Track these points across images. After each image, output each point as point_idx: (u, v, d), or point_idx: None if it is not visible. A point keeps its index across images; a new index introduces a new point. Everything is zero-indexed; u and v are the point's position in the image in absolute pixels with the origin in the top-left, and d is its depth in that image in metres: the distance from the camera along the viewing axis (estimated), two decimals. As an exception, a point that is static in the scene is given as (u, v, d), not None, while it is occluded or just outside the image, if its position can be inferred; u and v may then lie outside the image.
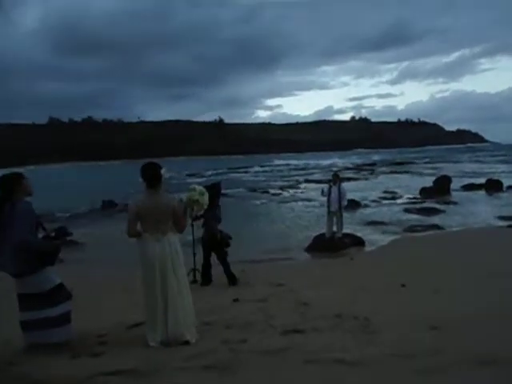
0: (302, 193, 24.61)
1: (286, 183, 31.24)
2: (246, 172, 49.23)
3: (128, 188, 28.52)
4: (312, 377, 2.96)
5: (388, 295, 5.33)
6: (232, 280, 6.65)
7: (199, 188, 3.71)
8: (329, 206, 9.70)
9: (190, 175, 46.13)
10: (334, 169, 38.32)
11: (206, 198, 3.69)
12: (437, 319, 4.13)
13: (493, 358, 3.07)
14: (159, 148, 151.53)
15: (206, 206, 3.73)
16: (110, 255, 9.99)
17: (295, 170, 49.61)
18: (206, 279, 6.81)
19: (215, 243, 6.76)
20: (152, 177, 3.52)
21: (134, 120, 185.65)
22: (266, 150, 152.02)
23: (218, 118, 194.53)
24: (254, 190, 26.85)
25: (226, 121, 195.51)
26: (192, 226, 7.07)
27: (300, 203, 19.61)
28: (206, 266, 6.86)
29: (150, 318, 3.61)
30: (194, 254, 7.12)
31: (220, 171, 50.68)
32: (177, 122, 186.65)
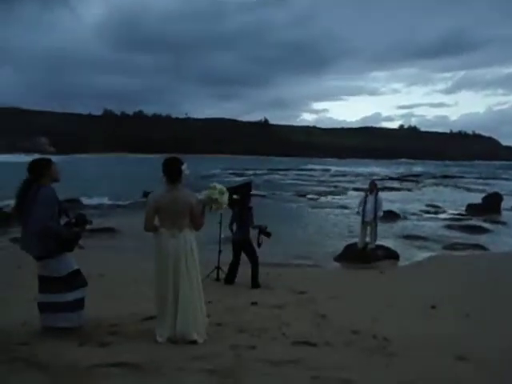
0: (340, 199, 24.05)
1: (324, 188, 30.70)
2: (285, 175, 48.96)
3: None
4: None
5: (414, 316, 5.00)
6: (255, 283, 6.57)
7: (219, 186, 3.64)
8: (363, 216, 9.35)
9: (232, 174, 46.67)
10: (375, 177, 37.16)
11: (225, 198, 3.62)
12: (464, 348, 3.81)
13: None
14: (204, 145, 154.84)
15: (225, 206, 3.65)
16: (142, 245, 10.24)
17: (335, 175, 48.66)
18: (230, 278, 6.77)
19: (247, 246, 6.71)
20: (172, 172, 3.51)
21: (182, 116, 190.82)
22: (309, 154, 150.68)
23: (263, 119, 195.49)
24: (291, 193, 26.62)
25: (272, 122, 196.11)
26: (220, 223, 7.08)
27: (336, 210, 19.14)
28: (234, 264, 6.82)
29: (160, 314, 3.60)
30: (220, 252, 7.12)
31: (259, 172, 50.78)
32: (223, 120, 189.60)
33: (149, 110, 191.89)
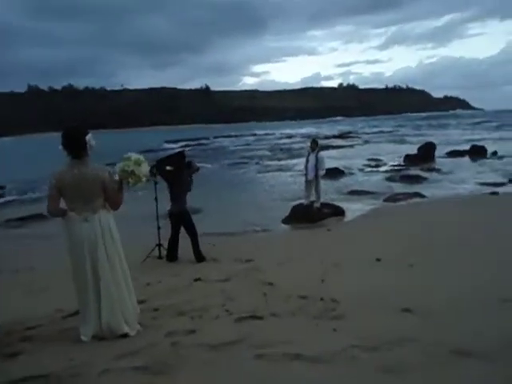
0: (286, 162, 24.04)
1: (270, 152, 30.57)
2: (230, 141, 48.20)
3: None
4: (260, 377, 2.54)
5: (361, 271, 4.94)
6: (199, 257, 6.20)
7: (135, 156, 3.10)
8: (306, 175, 9.23)
9: (168, 142, 45.08)
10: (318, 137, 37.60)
11: (144, 169, 3.09)
12: (409, 300, 3.76)
13: (468, 350, 2.70)
14: (143, 117, 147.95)
15: (145, 179, 3.15)
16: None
17: (280, 138, 48.72)
18: (172, 255, 6.35)
19: (184, 219, 6.26)
20: (74, 144, 2.93)
21: (117, 88, 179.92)
22: (253, 118, 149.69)
23: (204, 86, 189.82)
24: (237, 160, 26.19)
25: (213, 88, 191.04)
26: (156, 199, 6.56)
27: (284, 173, 19.09)
28: (173, 241, 6.38)
29: (82, 309, 3.14)
30: (159, 228, 6.63)
31: (204, 141, 49.54)
32: (162, 89, 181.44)
33: (80, 84, 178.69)
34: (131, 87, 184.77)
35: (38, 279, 5.49)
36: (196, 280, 4.90)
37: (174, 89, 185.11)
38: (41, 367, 2.64)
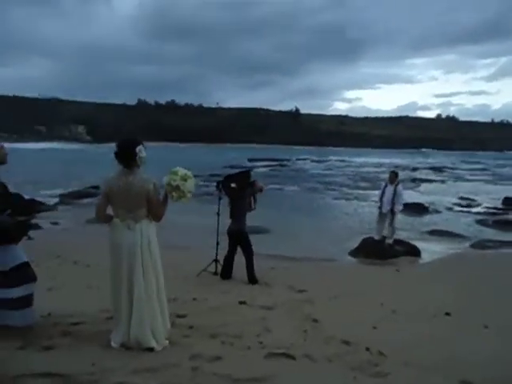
0: (363, 191, 23.00)
1: (350, 180, 29.60)
2: (313, 165, 47.89)
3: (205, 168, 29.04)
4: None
5: (423, 325, 4.34)
6: (251, 279, 6.06)
7: (183, 171, 3.11)
8: (380, 207, 8.62)
9: (251, 160, 46.29)
10: (398, 169, 35.49)
11: (189, 185, 3.08)
12: (473, 370, 3.16)
13: None
14: (234, 134, 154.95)
15: (190, 195, 3.13)
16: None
17: (365, 166, 46.98)
18: (226, 273, 6.30)
19: (242, 238, 6.22)
20: (124, 154, 3.04)
21: (213, 105, 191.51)
22: (341, 144, 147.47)
23: (294, 108, 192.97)
24: (314, 184, 25.81)
25: (303, 111, 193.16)
26: (218, 214, 6.62)
27: (361, 202, 18.25)
28: (229, 259, 6.34)
29: (115, 316, 3.19)
30: (217, 244, 6.66)
31: (286, 162, 49.91)
32: (253, 109, 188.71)
33: (181, 100, 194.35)
34: (225, 106, 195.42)
35: (93, 274, 5.80)
36: (241, 303, 4.76)
37: (265, 109, 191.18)
38: (65, 366, 2.71)
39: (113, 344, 3.13)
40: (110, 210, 3.18)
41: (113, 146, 3.15)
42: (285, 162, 48.15)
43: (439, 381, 3.00)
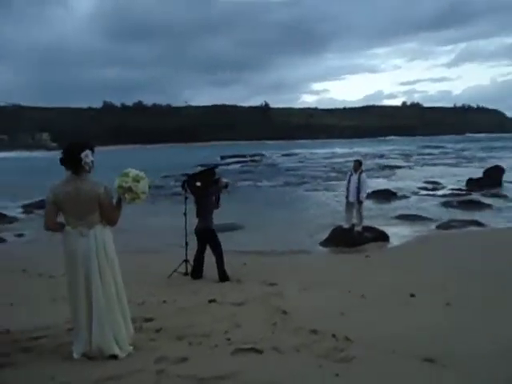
0: (336, 181, 23.35)
1: (321, 171, 29.99)
2: (284, 158, 48.23)
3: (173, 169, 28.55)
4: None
5: (389, 308, 4.45)
6: (222, 277, 6.04)
7: (134, 172, 3.03)
8: (347, 196, 8.78)
9: (223, 157, 46.18)
10: (367, 157, 36.26)
11: (142, 186, 3.01)
12: (436, 347, 3.27)
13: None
14: (205, 132, 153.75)
15: (145, 196, 3.06)
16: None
17: (336, 157, 47.75)
18: (196, 273, 6.25)
19: (210, 236, 6.17)
20: (68, 160, 2.94)
21: (182, 105, 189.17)
22: (311, 136, 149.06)
23: (263, 103, 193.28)
24: (286, 177, 25.99)
25: (272, 105, 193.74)
26: (185, 214, 6.55)
27: (332, 193, 18.52)
28: (198, 259, 6.29)
29: (75, 325, 3.09)
30: (186, 244, 6.60)
31: (257, 157, 49.99)
32: (222, 106, 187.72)
33: (148, 101, 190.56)
34: (194, 104, 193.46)
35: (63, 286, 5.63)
36: (210, 301, 4.73)
37: (234, 106, 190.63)
38: (22, 382, 2.60)
39: (74, 355, 3.03)
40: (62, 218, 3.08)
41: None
42: (256, 158, 48.25)
43: (402, 360, 3.08)
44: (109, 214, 3.02)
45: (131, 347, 3.14)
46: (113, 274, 3.06)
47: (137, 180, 3.00)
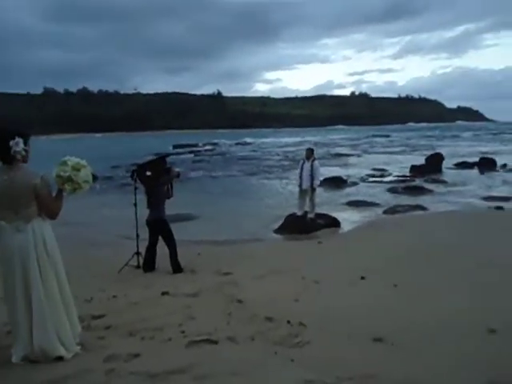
0: (288, 170, 23.70)
1: (274, 160, 30.28)
2: (237, 148, 48.09)
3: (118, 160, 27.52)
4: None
5: (341, 291, 4.59)
6: (175, 268, 5.90)
7: (74, 160, 2.83)
8: (300, 184, 8.91)
9: (176, 146, 45.25)
10: (318, 145, 37.18)
11: (83, 175, 2.80)
12: (385, 327, 3.41)
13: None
14: (155, 121, 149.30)
15: (87, 185, 2.86)
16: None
17: (287, 146, 48.40)
18: (148, 265, 6.06)
19: (162, 227, 5.99)
20: None
21: (131, 91, 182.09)
22: (264, 125, 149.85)
23: (216, 91, 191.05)
24: (238, 167, 25.95)
25: (225, 94, 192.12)
26: (135, 205, 6.31)
27: (285, 181, 18.77)
28: (150, 251, 6.10)
29: (13, 327, 2.86)
30: (138, 236, 6.36)
31: (209, 146, 49.48)
32: (174, 94, 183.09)
33: (94, 87, 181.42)
34: (144, 91, 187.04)
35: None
36: (163, 294, 4.61)
37: (186, 94, 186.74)
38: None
39: (14, 359, 2.81)
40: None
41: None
42: (209, 147, 47.71)
43: (354, 341, 3.19)
44: (48, 206, 2.79)
45: (78, 347, 2.98)
46: (55, 270, 2.85)
47: (77, 169, 2.79)
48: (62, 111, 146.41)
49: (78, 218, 9.69)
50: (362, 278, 5.02)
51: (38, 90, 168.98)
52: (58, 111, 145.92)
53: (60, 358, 2.84)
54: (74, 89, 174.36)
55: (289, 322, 3.55)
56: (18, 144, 2.66)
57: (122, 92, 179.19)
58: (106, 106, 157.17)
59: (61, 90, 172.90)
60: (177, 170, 6.13)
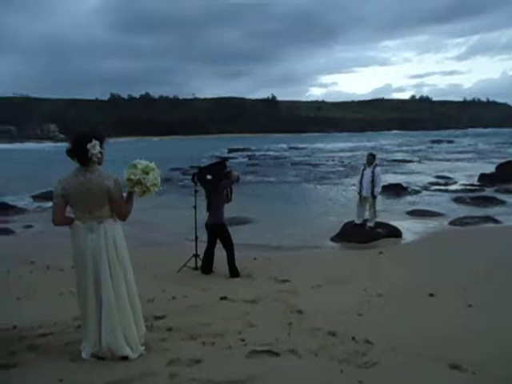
0: (344, 176, 23.06)
1: (330, 166, 29.68)
2: (292, 152, 47.85)
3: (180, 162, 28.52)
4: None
5: (409, 308, 4.28)
6: (233, 272, 5.89)
7: (143, 164, 2.82)
8: (360, 191, 8.56)
9: (231, 150, 45.94)
10: (375, 151, 35.79)
11: (152, 178, 2.81)
12: (462, 352, 3.10)
13: None
14: (212, 125, 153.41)
15: (156, 188, 2.88)
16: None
17: (343, 151, 47.28)
18: (206, 268, 6.11)
19: (220, 231, 6.01)
20: (75, 151, 2.78)
21: (189, 97, 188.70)
22: (318, 129, 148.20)
23: (270, 96, 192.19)
24: (294, 171, 25.74)
25: (279, 98, 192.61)
26: (195, 207, 6.40)
27: (342, 187, 18.28)
28: (208, 254, 6.15)
29: (84, 324, 2.95)
30: (196, 238, 6.46)
31: (264, 151, 49.70)
32: (230, 98, 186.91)
33: (155, 92, 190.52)
34: (201, 96, 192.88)
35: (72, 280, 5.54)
36: (222, 298, 4.59)
37: (241, 98, 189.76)
38: (28, 385, 2.48)
39: (83, 355, 2.91)
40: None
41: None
42: (264, 151, 47.95)
43: (428, 366, 2.92)
44: (119, 208, 2.86)
45: (143, 347, 3.01)
46: (123, 271, 2.91)
47: (146, 172, 2.81)
48: (125, 115, 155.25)
49: (138, 218, 10.10)
50: (431, 294, 4.66)
51: (105, 96, 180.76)
52: (122, 115, 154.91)
53: (125, 358, 2.88)
54: (137, 94, 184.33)
55: (354, 338, 3.35)
56: (95, 147, 2.75)
57: (180, 97, 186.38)
58: (165, 110, 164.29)
59: (125, 95, 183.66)
60: (236, 173, 6.12)
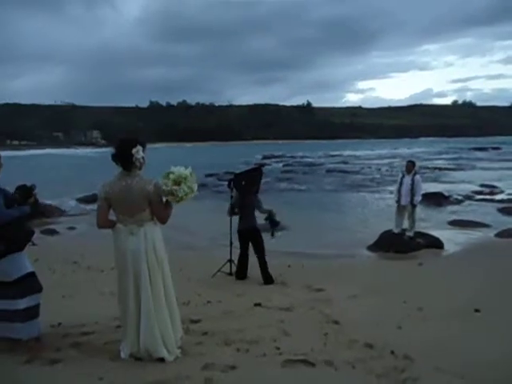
0: (381, 183, 22.49)
1: (367, 173, 29.06)
2: (327, 159, 47.33)
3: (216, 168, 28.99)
4: None
5: (452, 323, 4.07)
6: (266, 279, 5.87)
7: (177, 173, 2.80)
8: (399, 199, 8.29)
9: (265, 157, 46.04)
10: (414, 158, 34.56)
11: (184, 188, 2.81)
12: (508, 373, 2.90)
13: None
14: (245, 131, 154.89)
15: (191, 195, 2.89)
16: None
17: (380, 158, 46.16)
18: (240, 274, 6.13)
19: (254, 236, 6.03)
20: (119, 156, 2.87)
21: (225, 104, 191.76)
22: (355, 136, 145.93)
23: (306, 102, 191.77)
24: (330, 178, 25.41)
25: (315, 105, 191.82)
26: (230, 213, 6.44)
27: (379, 195, 17.82)
28: (242, 259, 6.16)
29: (123, 325, 3.03)
30: (231, 244, 6.49)
31: (299, 158, 49.47)
32: (265, 105, 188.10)
33: (192, 100, 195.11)
34: (237, 103, 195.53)
35: (112, 281, 5.72)
36: (256, 305, 4.57)
37: (276, 105, 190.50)
38: (71, 381, 2.57)
39: (122, 355, 2.98)
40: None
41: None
42: (299, 158, 47.74)
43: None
44: (159, 211, 2.93)
45: (179, 350, 3.05)
46: (162, 274, 2.97)
47: (178, 182, 2.82)
48: (163, 122, 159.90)
49: (175, 222, 10.31)
50: (477, 310, 4.41)
51: (145, 104, 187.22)
52: (160, 122, 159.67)
53: (162, 360, 2.92)
54: (174, 102, 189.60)
55: (392, 352, 3.23)
56: (138, 152, 2.84)
57: (216, 104, 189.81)
58: (201, 117, 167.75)
59: (164, 102, 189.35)
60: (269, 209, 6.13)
